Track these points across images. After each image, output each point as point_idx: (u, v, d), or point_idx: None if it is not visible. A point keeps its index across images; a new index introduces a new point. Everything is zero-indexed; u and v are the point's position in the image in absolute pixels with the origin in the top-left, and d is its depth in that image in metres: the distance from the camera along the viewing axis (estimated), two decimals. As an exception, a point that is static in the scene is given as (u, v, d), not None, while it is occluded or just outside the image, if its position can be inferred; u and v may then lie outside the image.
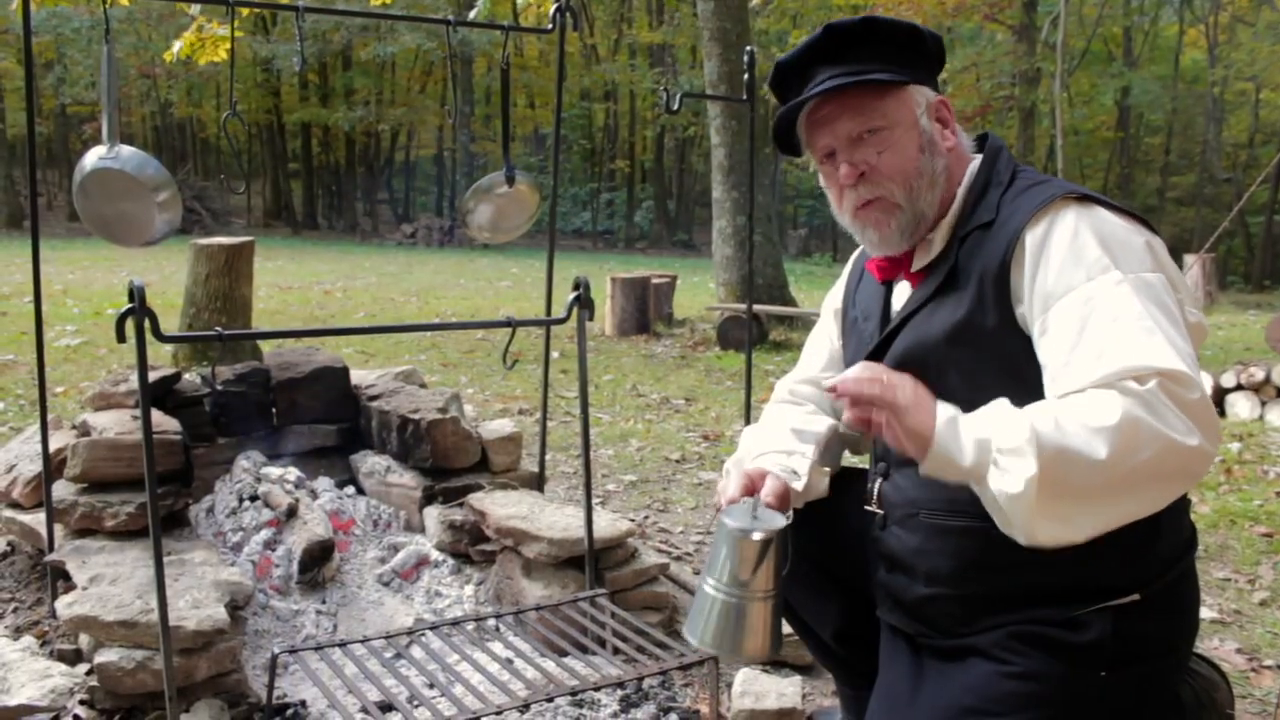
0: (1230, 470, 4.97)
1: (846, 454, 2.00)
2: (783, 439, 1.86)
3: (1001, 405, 1.46)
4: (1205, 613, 3.07)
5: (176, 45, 4.70)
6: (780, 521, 1.64)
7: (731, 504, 1.70)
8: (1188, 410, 1.38)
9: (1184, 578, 1.67)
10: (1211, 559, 3.68)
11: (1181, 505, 1.68)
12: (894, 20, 1.70)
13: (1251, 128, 26.46)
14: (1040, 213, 1.57)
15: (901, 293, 1.79)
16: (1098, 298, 1.48)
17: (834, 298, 2.02)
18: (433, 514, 3.09)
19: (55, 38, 23.83)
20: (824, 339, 2.03)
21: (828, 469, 1.87)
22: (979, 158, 1.75)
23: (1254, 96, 25.63)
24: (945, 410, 1.46)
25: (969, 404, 1.54)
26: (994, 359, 1.60)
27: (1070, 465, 1.36)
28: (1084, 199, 1.59)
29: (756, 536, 1.61)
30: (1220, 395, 6.40)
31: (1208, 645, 2.92)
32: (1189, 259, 12.07)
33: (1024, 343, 1.57)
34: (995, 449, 1.40)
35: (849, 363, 1.89)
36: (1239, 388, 6.37)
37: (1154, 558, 1.60)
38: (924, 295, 1.69)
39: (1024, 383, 1.55)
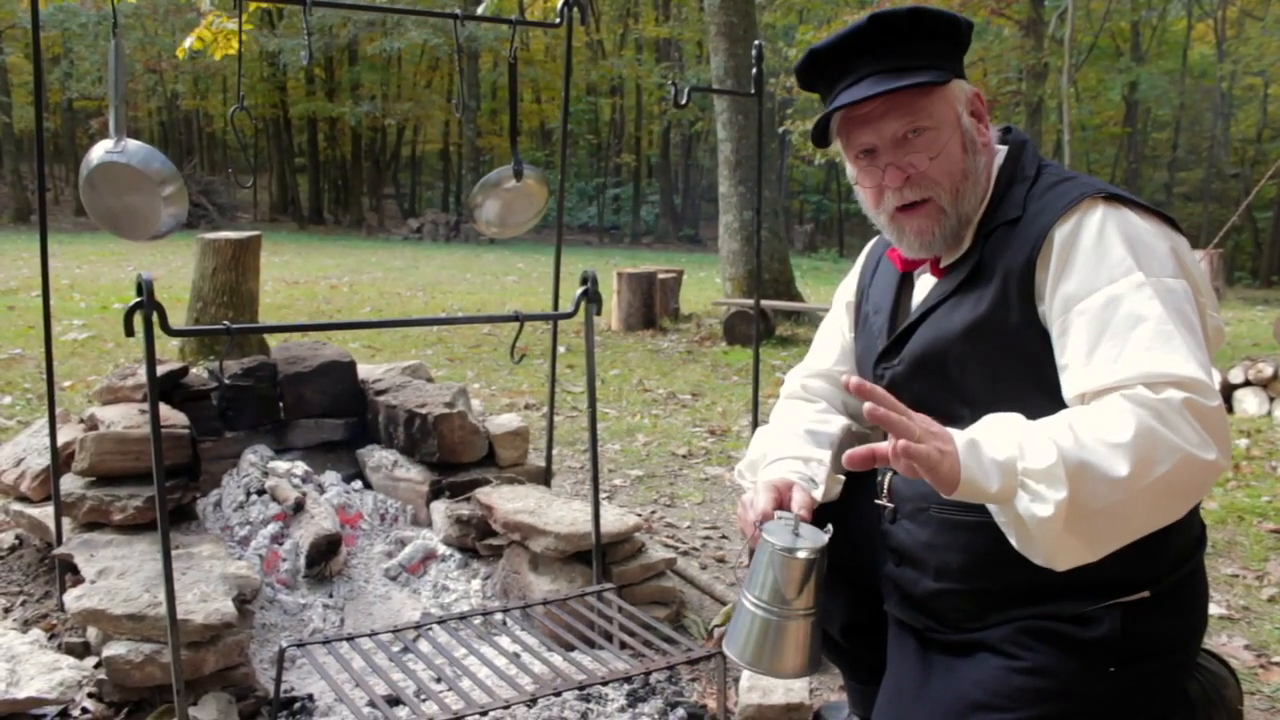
0: (1238, 466, 4.95)
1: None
2: (797, 444, 1.85)
3: (1015, 421, 1.42)
4: (1213, 609, 3.06)
5: (189, 40, 4.71)
6: (823, 539, 1.63)
7: (766, 519, 1.68)
8: (1203, 420, 1.37)
9: (1194, 575, 1.67)
10: (1219, 555, 3.67)
11: (1192, 503, 1.68)
12: (939, 12, 1.65)
13: (1260, 123, 26.38)
14: (1069, 211, 1.56)
15: (924, 286, 1.77)
16: (1119, 300, 1.47)
17: (846, 290, 1.99)
18: (440, 508, 3.09)
19: (62, 32, 23.89)
20: (835, 331, 2.01)
21: (843, 476, 1.87)
22: (1003, 149, 1.73)
23: (1262, 91, 25.57)
24: (961, 439, 1.41)
25: (988, 400, 1.53)
26: (1014, 356, 1.58)
27: (1094, 484, 1.34)
28: (1112, 198, 1.57)
29: (802, 555, 1.60)
30: (1228, 391, 6.38)
31: (1216, 642, 2.91)
32: (1197, 254, 12.02)
33: (1045, 341, 1.56)
34: (1021, 471, 1.37)
35: (860, 357, 1.88)
36: (1247, 383, 6.36)
37: (1164, 555, 1.59)
38: (945, 290, 1.67)
39: (1044, 381, 1.54)
